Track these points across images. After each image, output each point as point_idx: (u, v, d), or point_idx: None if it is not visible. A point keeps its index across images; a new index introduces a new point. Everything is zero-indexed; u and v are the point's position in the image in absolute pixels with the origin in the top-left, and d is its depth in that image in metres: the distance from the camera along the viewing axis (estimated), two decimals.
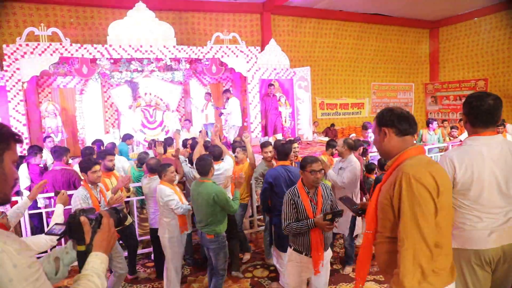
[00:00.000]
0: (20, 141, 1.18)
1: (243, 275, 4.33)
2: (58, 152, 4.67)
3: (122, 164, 5.68)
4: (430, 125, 7.71)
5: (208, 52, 8.55)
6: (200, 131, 5.49)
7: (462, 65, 14.20)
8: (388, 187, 1.69)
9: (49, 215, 4.83)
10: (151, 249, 4.95)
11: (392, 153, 1.79)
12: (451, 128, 7.75)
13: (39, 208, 4.83)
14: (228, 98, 9.08)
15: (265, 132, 9.23)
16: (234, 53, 8.78)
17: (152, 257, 4.87)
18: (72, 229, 1.31)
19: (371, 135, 6.58)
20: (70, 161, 5.65)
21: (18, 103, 7.27)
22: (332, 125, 12.31)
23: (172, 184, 3.89)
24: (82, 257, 1.28)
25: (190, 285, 4.21)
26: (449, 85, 14.34)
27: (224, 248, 3.58)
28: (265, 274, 4.38)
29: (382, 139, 1.81)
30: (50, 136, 7.28)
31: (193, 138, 6.54)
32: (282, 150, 3.93)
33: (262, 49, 9.58)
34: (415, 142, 1.84)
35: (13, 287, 0.94)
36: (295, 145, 4.84)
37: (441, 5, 12.44)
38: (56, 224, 1.43)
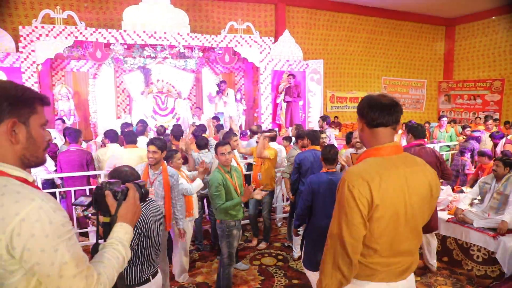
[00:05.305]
0: (47, 103, 1.16)
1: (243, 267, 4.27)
2: (74, 134, 4.76)
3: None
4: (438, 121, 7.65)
5: (222, 41, 8.52)
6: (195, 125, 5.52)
7: (478, 64, 13.89)
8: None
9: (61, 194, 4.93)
10: None
11: (366, 144, 1.65)
12: (463, 128, 7.65)
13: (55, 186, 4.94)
14: (223, 90, 9.12)
15: (290, 123, 9.04)
16: (248, 43, 8.73)
17: None
18: (98, 201, 1.36)
19: None
20: (84, 144, 5.77)
21: (32, 85, 7.32)
22: (336, 117, 12.33)
23: (179, 170, 3.90)
24: (107, 229, 1.32)
25: (199, 269, 4.26)
26: (464, 84, 14.06)
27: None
28: (273, 262, 4.41)
29: (358, 129, 1.67)
30: (60, 119, 7.39)
31: (201, 125, 6.66)
32: (314, 136, 4.35)
33: (276, 40, 9.51)
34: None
35: (48, 243, 0.97)
36: (323, 135, 4.97)
37: (459, 3, 12.19)
38: (84, 195, 1.50)
